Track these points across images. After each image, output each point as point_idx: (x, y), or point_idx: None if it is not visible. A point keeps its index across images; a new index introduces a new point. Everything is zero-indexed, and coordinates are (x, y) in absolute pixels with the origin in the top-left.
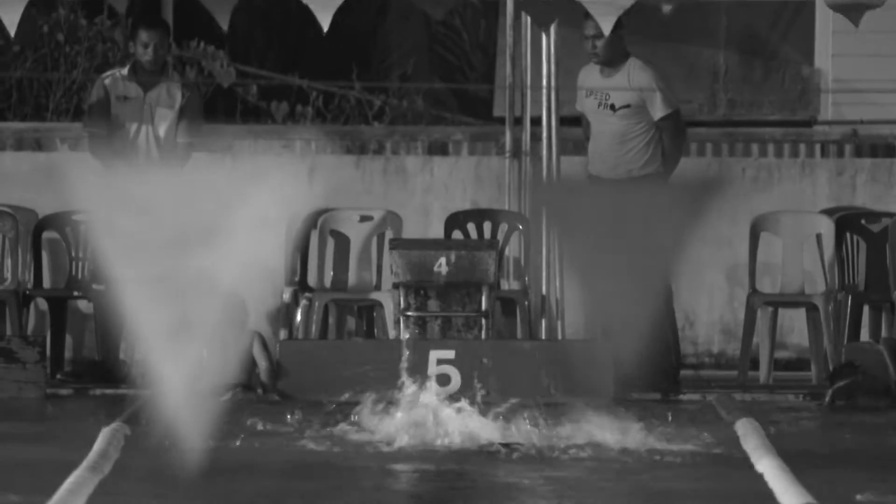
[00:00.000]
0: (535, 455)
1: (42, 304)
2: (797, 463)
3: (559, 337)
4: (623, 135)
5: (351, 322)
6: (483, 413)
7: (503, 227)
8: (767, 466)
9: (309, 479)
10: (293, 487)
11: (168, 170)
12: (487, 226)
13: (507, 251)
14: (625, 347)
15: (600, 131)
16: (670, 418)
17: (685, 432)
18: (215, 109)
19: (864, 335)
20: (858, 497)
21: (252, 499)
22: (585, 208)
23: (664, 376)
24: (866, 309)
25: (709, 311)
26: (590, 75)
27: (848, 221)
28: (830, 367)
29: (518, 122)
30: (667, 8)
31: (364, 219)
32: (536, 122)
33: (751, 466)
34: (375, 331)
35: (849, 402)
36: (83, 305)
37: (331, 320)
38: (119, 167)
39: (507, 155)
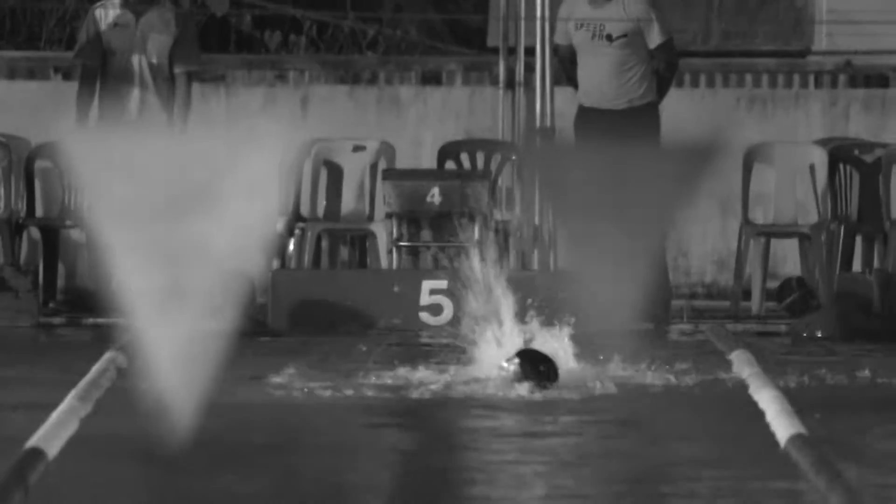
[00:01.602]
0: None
1: (35, 233)
2: (791, 393)
3: (551, 267)
4: (622, 64)
5: (344, 252)
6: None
7: (496, 158)
8: (764, 397)
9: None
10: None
11: (157, 117)
12: (480, 156)
13: (499, 181)
14: (614, 280)
15: (596, 63)
16: (664, 349)
17: (679, 363)
18: (209, 39)
19: (857, 266)
20: None
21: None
22: (577, 163)
23: (656, 306)
24: (859, 240)
25: (702, 241)
26: (577, 6)
27: (841, 152)
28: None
29: (512, 52)
30: None
31: (357, 149)
32: (530, 52)
33: (747, 397)
34: (368, 261)
35: (802, 320)
36: (76, 234)
37: (323, 250)
38: (103, 115)
39: (501, 85)
